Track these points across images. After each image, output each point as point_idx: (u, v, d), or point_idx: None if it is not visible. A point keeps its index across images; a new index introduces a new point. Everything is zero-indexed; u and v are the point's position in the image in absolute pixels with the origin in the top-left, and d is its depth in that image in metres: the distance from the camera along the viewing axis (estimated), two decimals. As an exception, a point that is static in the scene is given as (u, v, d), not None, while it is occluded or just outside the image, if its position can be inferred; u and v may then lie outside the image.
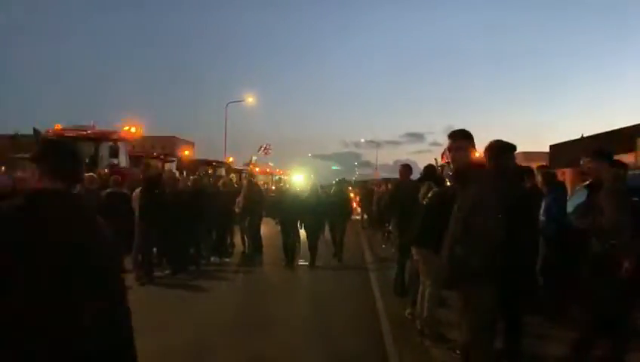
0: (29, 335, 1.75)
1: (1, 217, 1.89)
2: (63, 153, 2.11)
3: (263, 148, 46.62)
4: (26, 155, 2.13)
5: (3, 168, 23.64)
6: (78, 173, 2.16)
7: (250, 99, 42.03)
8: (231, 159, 37.43)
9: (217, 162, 26.46)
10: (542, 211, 6.13)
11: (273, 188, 21.60)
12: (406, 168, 8.29)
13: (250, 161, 40.50)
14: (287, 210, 11.36)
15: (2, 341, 1.74)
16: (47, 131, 15.30)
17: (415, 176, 8.37)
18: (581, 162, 4.64)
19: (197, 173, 17.62)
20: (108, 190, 9.87)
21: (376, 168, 70.48)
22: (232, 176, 22.70)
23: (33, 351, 1.75)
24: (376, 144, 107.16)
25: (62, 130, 15.35)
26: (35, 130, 18.99)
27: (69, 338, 1.81)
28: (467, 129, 3.82)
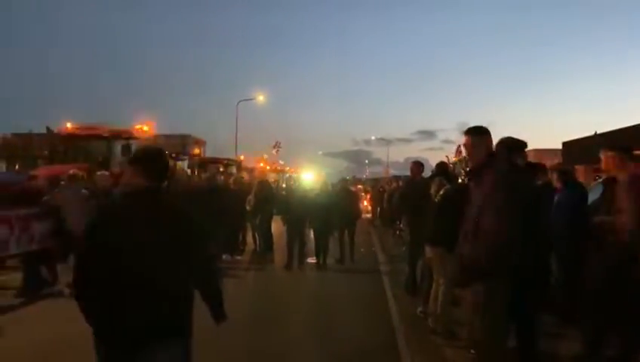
0: (142, 288, 2.50)
1: (113, 208, 2.83)
2: (154, 156, 2.76)
3: (274, 146, 46.79)
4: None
5: (17, 166, 23.98)
6: (165, 172, 2.78)
7: (260, 98, 42.16)
8: (242, 157, 37.59)
9: (229, 160, 26.57)
10: (555, 209, 6.08)
11: (284, 186, 21.65)
12: (417, 165, 8.26)
13: (261, 159, 40.76)
14: (295, 208, 11.11)
15: (122, 294, 2.47)
16: (61, 130, 15.44)
17: (427, 173, 8.36)
18: (600, 155, 4.59)
19: (208, 171, 17.68)
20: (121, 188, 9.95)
21: (387, 166, 70.32)
22: (243, 173, 22.77)
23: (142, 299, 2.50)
24: (386, 142, 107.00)
25: (75, 128, 15.48)
26: (48, 128, 19.20)
27: (171, 286, 2.58)
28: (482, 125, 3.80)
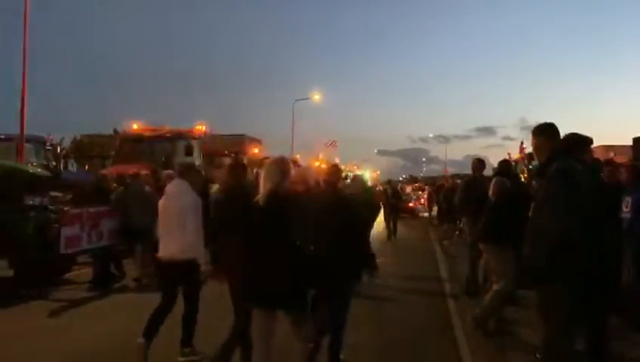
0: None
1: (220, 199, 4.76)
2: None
3: (329, 144, 46.90)
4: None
5: (87, 166, 25.22)
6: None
7: (316, 97, 42.43)
8: (298, 156, 37.91)
9: (285, 159, 26.87)
10: (627, 208, 5.76)
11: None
12: (479, 163, 8.06)
13: (317, 158, 40.96)
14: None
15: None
16: (127, 131, 16.04)
17: (486, 171, 8.15)
18: None
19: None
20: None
21: (446, 164, 69.07)
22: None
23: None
24: (444, 139, 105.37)
25: (139, 129, 16.08)
26: (115, 130, 20.06)
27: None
28: (548, 122, 3.66)
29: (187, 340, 4.84)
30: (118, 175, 10.11)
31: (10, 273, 8.04)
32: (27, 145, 15.90)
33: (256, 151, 28.50)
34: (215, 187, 10.04)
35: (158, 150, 15.46)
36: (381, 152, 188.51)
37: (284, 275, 3.48)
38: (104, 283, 8.11)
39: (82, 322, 6.23)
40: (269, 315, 3.65)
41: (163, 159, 14.68)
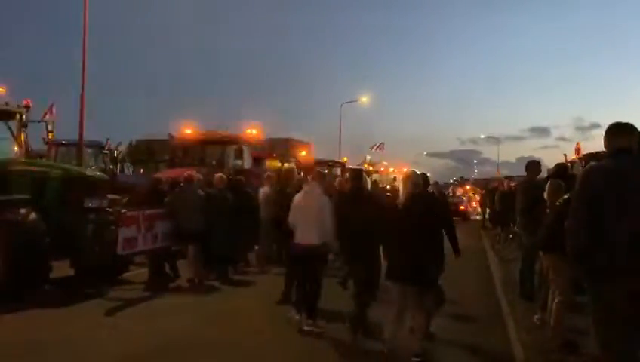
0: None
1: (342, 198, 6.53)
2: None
3: (376, 147, 46.59)
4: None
5: (142, 170, 26.07)
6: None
7: (364, 99, 42.29)
8: (345, 159, 37.83)
9: (333, 162, 26.87)
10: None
11: (388, 187, 21.49)
12: (535, 165, 7.80)
13: (364, 160, 40.75)
14: None
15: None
16: (180, 135, 16.44)
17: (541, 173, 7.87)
18: None
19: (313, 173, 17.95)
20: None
21: (498, 166, 67.33)
22: (347, 175, 22.88)
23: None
24: (496, 140, 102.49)
25: (192, 134, 16.48)
26: (169, 134, 20.63)
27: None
28: (619, 122, 3.43)
29: (311, 313, 5.98)
30: (172, 178, 10.36)
31: (72, 272, 8.39)
32: (86, 150, 16.58)
33: (303, 153, 28.60)
34: (264, 189, 10.19)
35: (210, 154, 15.79)
36: (430, 154, 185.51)
37: (425, 258, 4.86)
38: (159, 283, 8.33)
39: (138, 321, 6.41)
40: (403, 289, 4.98)
41: (214, 163, 15.00)
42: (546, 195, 5.87)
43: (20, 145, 8.76)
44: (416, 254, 4.83)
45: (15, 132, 8.75)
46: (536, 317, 6.27)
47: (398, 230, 5.01)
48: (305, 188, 6.46)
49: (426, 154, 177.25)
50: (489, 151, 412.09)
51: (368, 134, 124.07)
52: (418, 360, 4.84)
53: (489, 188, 21.64)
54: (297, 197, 6.32)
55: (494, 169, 62.09)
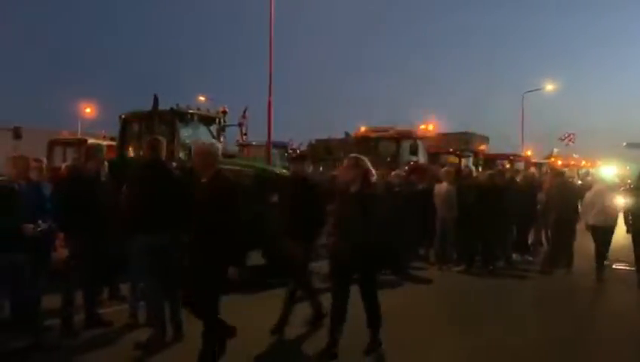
0: None
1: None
2: None
3: (565, 138, 42.76)
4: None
5: (320, 168, 27.39)
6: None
7: (549, 87, 39.17)
8: (529, 152, 35.38)
9: (515, 155, 25.35)
10: None
11: (579, 182, 19.46)
12: None
13: (551, 153, 37.62)
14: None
15: None
16: (356, 133, 16.97)
17: None
18: None
19: (493, 167, 17.18)
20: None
21: None
22: (532, 169, 21.35)
23: None
24: None
25: (367, 131, 16.91)
26: (346, 133, 21.41)
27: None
28: None
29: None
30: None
31: (262, 262, 9.17)
32: (273, 150, 18.07)
33: (482, 147, 27.38)
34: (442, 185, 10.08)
35: (384, 150, 16.02)
36: (631, 145, 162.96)
37: None
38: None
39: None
40: None
41: (388, 159, 15.18)
42: None
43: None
44: None
45: (215, 135, 9.93)
46: None
47: None
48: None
49: (626, 145, 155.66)
50: None
51: (555, 125, 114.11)
52: None
53: None
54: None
55: None
